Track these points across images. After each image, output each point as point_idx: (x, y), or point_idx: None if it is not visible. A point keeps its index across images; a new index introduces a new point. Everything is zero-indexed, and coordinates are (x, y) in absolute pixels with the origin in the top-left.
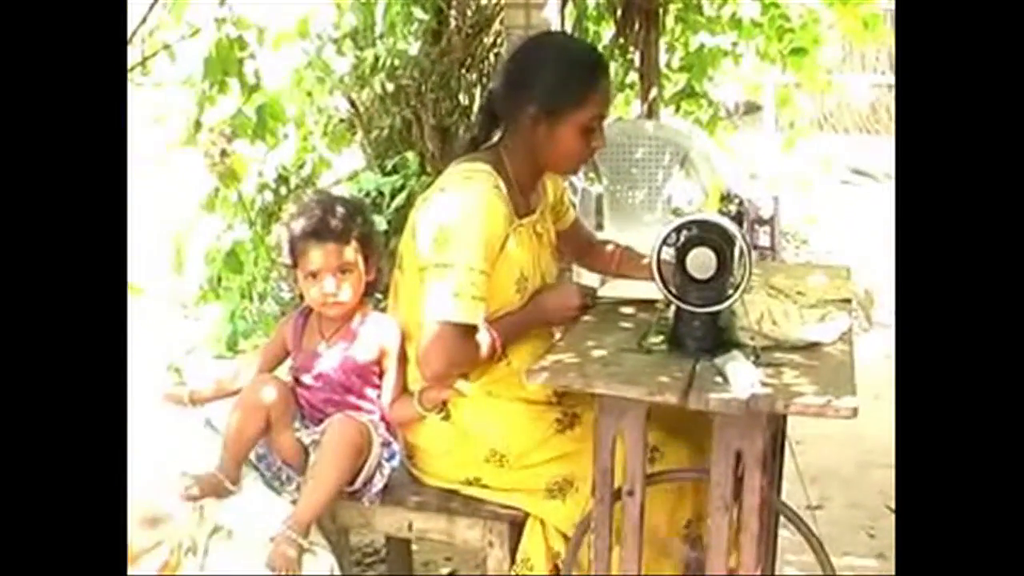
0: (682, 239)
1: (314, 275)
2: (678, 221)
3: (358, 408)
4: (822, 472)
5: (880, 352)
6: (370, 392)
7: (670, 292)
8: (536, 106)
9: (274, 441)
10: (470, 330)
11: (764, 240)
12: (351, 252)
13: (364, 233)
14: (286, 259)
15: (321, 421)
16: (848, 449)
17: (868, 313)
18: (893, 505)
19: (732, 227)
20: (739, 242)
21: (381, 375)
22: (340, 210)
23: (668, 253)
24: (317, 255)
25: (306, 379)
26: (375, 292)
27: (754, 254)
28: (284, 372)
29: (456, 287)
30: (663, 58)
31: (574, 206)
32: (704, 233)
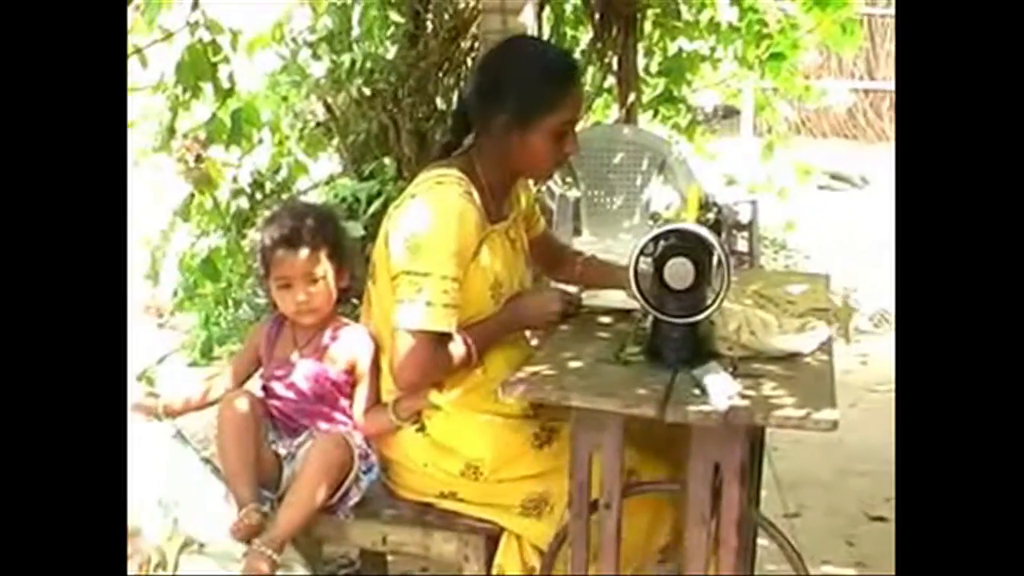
0: (660, 249)
1: (287, 284)
2: (656, 231)
3: (331, 419)
4: (800, 479)
5: (856, 359)
6: (343, 403)
7: (648, 302)
8: (508, 112)
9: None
10: (443, 338)
11: (742, 245)
12: (323, 261)
13: (335, 241)
14: (259, 268)
15: (294, 431)
16: (826, 456)
17: (847, 327)
18: (872, 513)
19: (710, 237)
20: (717, 252)
21: (354, 385)
22: (311, 219)
23: (645, 263)
24: (288, 264)
25: (278, 389)
26: (350, 300)
27: (732, 260)
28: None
29: (428, 295)
30: (641, 63)
31: (547, 215)
32: (682, 243)
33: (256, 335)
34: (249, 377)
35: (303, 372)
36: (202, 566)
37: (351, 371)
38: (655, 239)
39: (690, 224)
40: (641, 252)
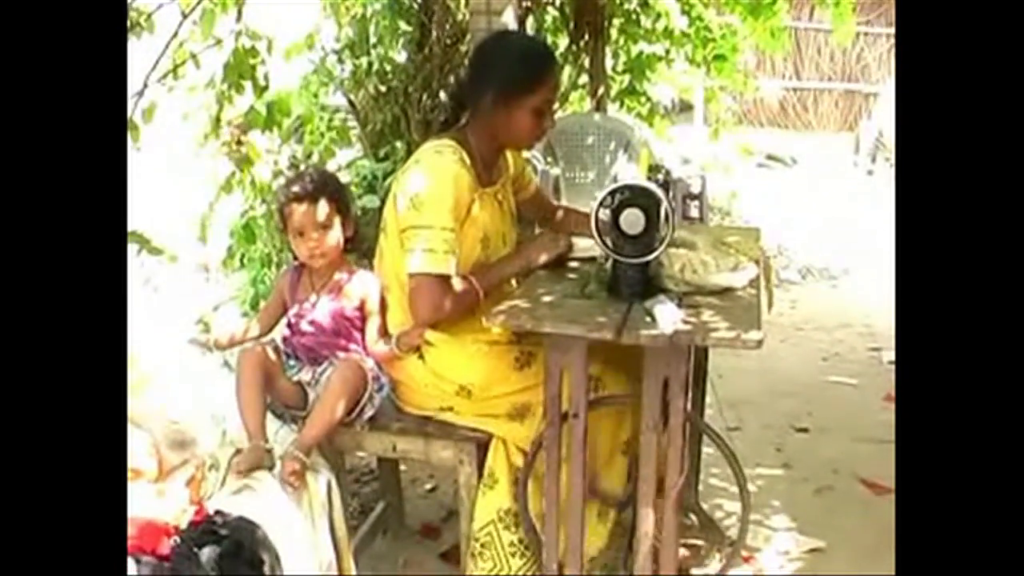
0: (616, 201)
1: (301, 232)
2: (612, 186)
3: (347, 349)
4: (739, 400)
5: (787, 304)
6: (356, 335)
7: (607, 246)
8: (495, 92)
9: (274, 391)
10: (445, 279)
11: (694, 212)
12: (326, 210)
13: (335, 193)
14: (279, 224)
15: (316, 360)
16: (760, 381)
17: (769, 282)
18: (797, 425)
19: (658, 191)
20: (664, 204)
21: (365, 320)
22: (313, 177)
23: (605, 213)
24: (301, 215)
25: (303, 326)
26: (355, 248)
27: (685, 223)
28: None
29: (431, 244)
30: (609, 63)
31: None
32: (634, 196)
33: (281, 282)
34: (278, 319)
35: (323, 310)
36: None
37: (362, 308)
38: (612, 193)
39: (641, 181)
40: (601, 204)
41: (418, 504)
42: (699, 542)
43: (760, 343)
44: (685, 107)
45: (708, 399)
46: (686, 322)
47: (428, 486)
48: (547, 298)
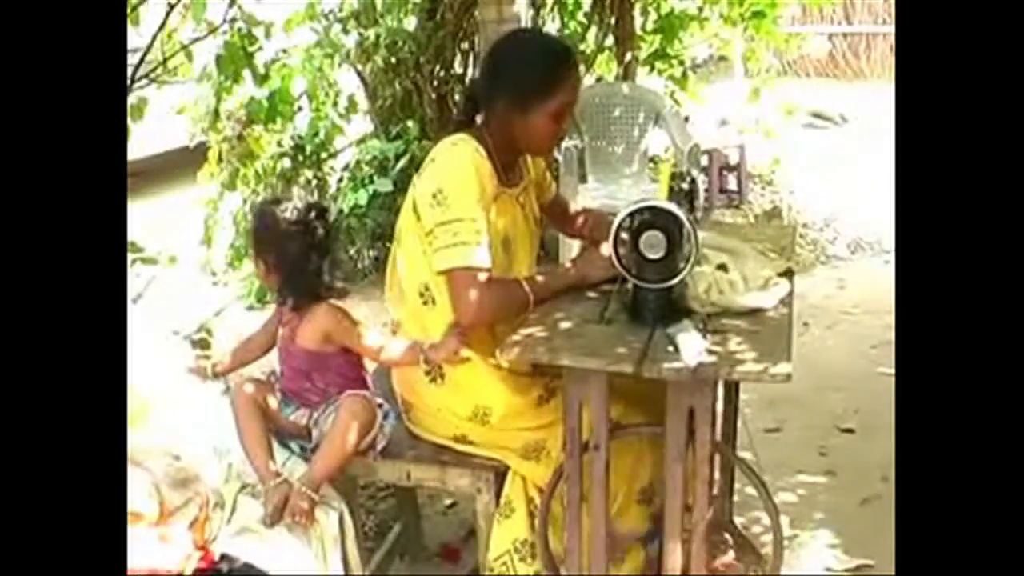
0: (636, 223)
1: None
2: (631, 207)
3: (330, 388)
4: (780, 397)
5: (834, 283)
6: (341, 370)
7: (627, 270)
8: (510, 98)
9: (276, 425)
10: (484, 272)
11: (732, 184)
12: (256, 254)
13: (255, 238)
14: None
15: (307, 404)
16: (804, 374)
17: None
18: (842, 426)
19: (679, 212)
20: (686, 225)
21: (344, 352)
22: (260, 221)
23: (624, 236)
24: None
25: (284, 369)
26: (294, 289)
27: (723, 198)
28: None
29: (463, 237)
30: (638, 22)
31: (554, 165)
32: (655, 217)
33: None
34: (273, 339)
35: (288, 352)
36: (255, 506)
37: (328, 341)
38: (631, 215)
39: (662, 202)
40: (620, 226)
41: (437, 522)
42: (733, 562)
43: (789, 376)
44: (723, 58)
45: (744, 396)
46: (711, 352)
47: (447, 502)
48: (565, 324)
